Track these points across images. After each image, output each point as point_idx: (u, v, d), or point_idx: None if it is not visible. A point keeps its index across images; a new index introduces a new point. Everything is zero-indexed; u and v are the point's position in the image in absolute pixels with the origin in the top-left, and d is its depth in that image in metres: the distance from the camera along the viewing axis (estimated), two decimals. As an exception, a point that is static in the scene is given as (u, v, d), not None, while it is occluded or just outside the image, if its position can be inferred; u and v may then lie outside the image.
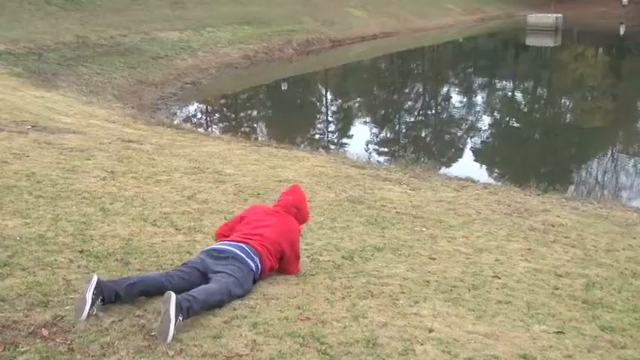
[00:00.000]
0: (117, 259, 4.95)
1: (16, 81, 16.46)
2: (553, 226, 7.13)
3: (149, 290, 4.14)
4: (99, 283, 3.90)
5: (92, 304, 3.83)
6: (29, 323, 3.70)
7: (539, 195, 9.15)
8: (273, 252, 4.73)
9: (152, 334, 3.68)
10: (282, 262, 4.87)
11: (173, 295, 3.71)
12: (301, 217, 5.16)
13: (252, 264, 4.52)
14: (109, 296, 3.96)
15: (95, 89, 18.42)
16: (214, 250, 4.57)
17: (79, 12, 26.22)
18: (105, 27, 25.23)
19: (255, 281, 4.55)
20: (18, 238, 5.14)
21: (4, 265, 4.56)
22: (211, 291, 4.12)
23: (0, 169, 7.20)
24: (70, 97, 16.15)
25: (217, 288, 4.17)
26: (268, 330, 3.85)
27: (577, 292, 5.09)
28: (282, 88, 26.22)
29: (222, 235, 4.96)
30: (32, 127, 10.37)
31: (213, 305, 4.07)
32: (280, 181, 8.05)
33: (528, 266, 5.63)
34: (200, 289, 4.08)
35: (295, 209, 5.09)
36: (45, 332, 3.62)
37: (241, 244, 4.59)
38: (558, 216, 7.60)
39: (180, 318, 3.71)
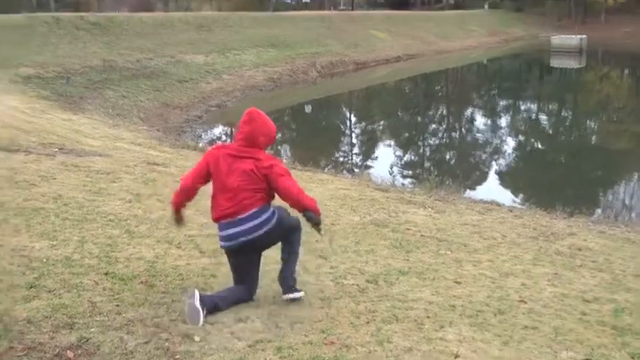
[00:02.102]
0: (142, 282, 4.97)
1: (44, 104, 16.68)
2: (580, 250, 7.05)
3: (238, 302, 4.69)
4: (201, 296, 4.36)
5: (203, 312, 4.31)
6: (54, 345, 3.73)
7: (565, 218, 9.06)
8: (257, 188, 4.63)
9: (177, 357, 3.68)
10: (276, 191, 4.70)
11: (196, 292, 4.34)
12: (269, 140, 4.80)
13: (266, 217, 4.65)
14: (210, 307, 4.41)
15: (121, 112, 18.62)
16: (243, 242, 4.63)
17: (107, 36, 26.58)
18: (131, 50, 25.55)
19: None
20: (44, 260, 5.18)
21: (31, 287, 4.59)
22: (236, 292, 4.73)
23: (28, 192, 7.27)
24: (97, 120, 16.33)
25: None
26: (292, 354, 3.84)
27: (605, 317, 5.02)
28: (306, 110, 26.32)
29: (190, 186, 4.77)
30: (59, 149, 10.48)
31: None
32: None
33: (555, 291, 5.56)
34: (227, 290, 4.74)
35: (261, 138, 4.69)
36: (70, 354, 3.64)
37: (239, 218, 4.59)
38: (585, 240, 7.52)
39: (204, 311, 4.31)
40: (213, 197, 4.71)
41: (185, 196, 4.79)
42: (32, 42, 23.07)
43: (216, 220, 4.70)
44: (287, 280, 4.81)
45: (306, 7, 67.65)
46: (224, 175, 4.60)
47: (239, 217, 4.57)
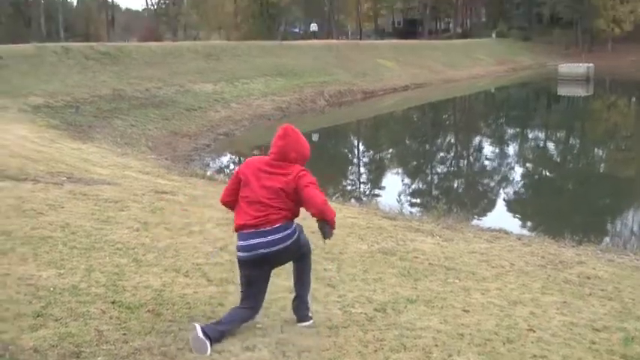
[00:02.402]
0: (149, 310, 4.96)
1: (53, 133, 16.78)
2: (589, 278, 7.00)
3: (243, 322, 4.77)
4: (204, 328, 4.41)
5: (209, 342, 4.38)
6: (61, 375, 3.71)
7: (573, 247, 9.01)
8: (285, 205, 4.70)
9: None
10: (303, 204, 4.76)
11: (198, 327, 4.37)
12: (301, 158, 4.87)
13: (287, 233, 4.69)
14: (215, 337, 4.45)
15: (130, 141, 18.71)
16: (263, 254, 4.64)
17: (116, 65, 26.80)
18: (140, 80, 25.74)
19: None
20: (52, 288, 5.18)
21: (38, 316, 4.59)
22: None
23: (35, 220, 7.29)
24: (106, 148, 16.40)
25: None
26: (300, 383, 3.81)
27: (615, 346, 4.98)
28: (314, 139, 26.40)
29: (230, 203, 4.90)
30: (68, 178, 10.51)
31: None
32: (312, 232, 8.03)
33: (564, 319, 5.52)
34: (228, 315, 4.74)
35: (293, 154, 4.80)
36: (76, 384, 3.62)
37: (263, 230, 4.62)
38: (594, 268, 7.47)
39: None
40: (240, 207, 4.74)
41: (229, 208, 4.94)
42: (42, 71, 23.27)
43: (239, 227, 4.69)
44: (301, 310, 4.91)
45: (314, 35, 68.05)
46: (255, 189, 4.67)
47: (262, 228, 4.59)
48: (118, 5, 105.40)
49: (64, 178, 10.43)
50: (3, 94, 19.76)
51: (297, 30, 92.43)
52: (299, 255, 4.87)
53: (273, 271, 4.85)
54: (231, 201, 4.85)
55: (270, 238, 4.59)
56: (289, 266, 4.98)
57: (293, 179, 4.65)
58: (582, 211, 15.14)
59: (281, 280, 4.98)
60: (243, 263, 4.71)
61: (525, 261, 7.63)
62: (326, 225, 4.72)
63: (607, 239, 12.29)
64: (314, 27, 74.29)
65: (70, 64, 25.22)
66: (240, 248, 4.67)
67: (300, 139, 4.90)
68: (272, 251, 4.61)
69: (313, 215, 4.70)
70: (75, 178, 10.74)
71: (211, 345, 4.34)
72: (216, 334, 4.44)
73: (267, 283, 4.83)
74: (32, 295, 4.99)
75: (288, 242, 4.66)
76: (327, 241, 4.87)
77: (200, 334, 4.31)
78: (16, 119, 17.45)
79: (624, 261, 8.17)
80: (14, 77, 21.70)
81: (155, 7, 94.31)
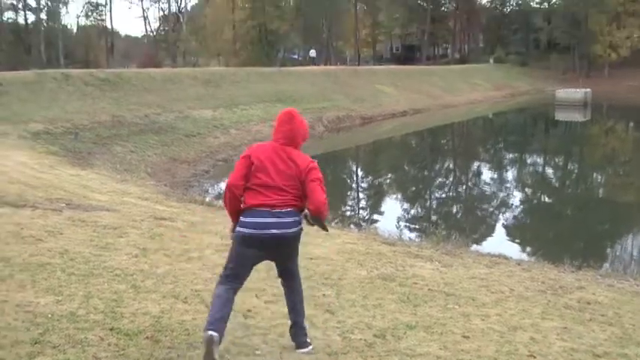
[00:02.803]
0: (147, 337, 4.93)
1: (52, 159, 16.80)
2: (589, 303, 6.98)
3: None
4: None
5: None
6: (59, 403, 3.68)
7: (573, 272, 8.99)
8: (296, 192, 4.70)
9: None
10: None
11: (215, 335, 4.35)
12: (304, 140, 4.94)
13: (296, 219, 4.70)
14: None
15: (129, 167, 18.72)
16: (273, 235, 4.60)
17: (115, 92, 26.89)
18: (140, 106, 25.82)
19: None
20: (49, 315, 5.16)
21: (35, 343, 4.56)
22: None
23: (34, 247, 7.27)
24: (105, 175, 16.41)
25: None
26: (299, 411, 3.79)
27: (616, 372, 4.95)
28: (323, 163, 26.37)
29: (241, 187, 4.71)
30: (67, 204, 10.51)
31: None
32: (311, 258, 8.02)
33: (564, 345, 5.50)
34: None
35: (299, 138, 4.86)
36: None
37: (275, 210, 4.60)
38: (594, 293, 7.45)
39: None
40: (254, 191, 4.64)
41: (238, 201, 4.71)
42: (42, 98, 23.35)
43: (253, 206, 4.60)
44: (300, 336, 4.87)
45: (312, 62, 68.46)
46: (272, 175, 4.64)
47: (278, 210, 4.57)
48: (118, 32, 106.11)
49: (63, 205, 10.42)
50: (3, 120, 19.81)
51: (295, 56, 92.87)
52: (294, 251, 4.84)
53: (271, 298, 4.84)
54: (242, 185, 4.67)
55: (283, 220, 4.56)
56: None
57: (304, 170, 4.66)
58: (581, 236, 15.13)
59: (279, 306, 4.96)
60: (247, 240, 4.60)
61: (525, 286, 7.61)
62: (319, 221, 4.75)
63: (607, 264, 12.27)
64: (312, 53, 74.75)
65: (70, 91, 25.31)
66: (249, 224, 4.57)
67: (303, 121, 4.96)
68: (283, 233, 4.57)
69: (310, 211, 4.67)
70: (74, 204, 10.73)
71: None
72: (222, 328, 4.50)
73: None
74: (30, 322, 4.96)
75: (297, 229, 4.65)
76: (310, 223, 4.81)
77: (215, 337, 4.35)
78: (16, 146, 17.48)
79: (624, 286, 8.15)
80: (14, 104, 21.77)
81: (154, 33, 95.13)
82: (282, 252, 4.76)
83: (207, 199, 15.51)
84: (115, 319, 5.25)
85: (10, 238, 7.56)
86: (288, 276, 4.91)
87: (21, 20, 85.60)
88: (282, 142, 4.76)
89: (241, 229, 4.59)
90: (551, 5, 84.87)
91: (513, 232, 16.21)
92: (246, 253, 4.63)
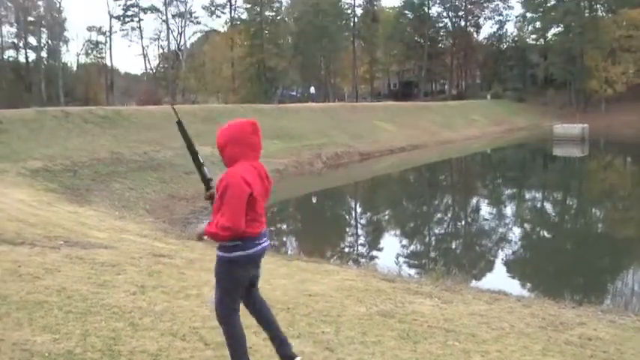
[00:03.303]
0: (145, 376, 4.89)
1: (51, 196, 16.81)
2: (590, 340, 6.93)
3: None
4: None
5: None
6: None
7: (574, 307, 8.94)
8: None
9: None
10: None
11: None
12: None
13: None
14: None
15: (127, 204, 18.72)
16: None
17: (115, 129, 27.00)
18: (139, 143, 25.90)
19: None
20: (46, 354, 5.12)
21: (32, 383, 4.52)
22: None
23: (31, 285, 7.24)
24: (103, 212, 16.41)
25: None
26: None
27: (619, 410, 4.90)
28: (312, 201, 26.42)
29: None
30: (64, 242, 10.49)
31: None
32: (310, 295, 7.98)
33: (566, 382, 5.45)
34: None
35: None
36: None
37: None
38: (595, 329, 7.40)
39: None
40: (250, 221, 4.56)
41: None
42: (41, 136, 23.43)
43: (255, 235, 4.61)
44: (286, 345, 4.93)
45: (311, 98, 68.90)
46: (262, 201, 4.72)
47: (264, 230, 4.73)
48: (118, 69, 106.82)
49: (61, 242, 10.41)
50: (2, 158, 19.86)
51: (294, 93, 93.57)
52: None
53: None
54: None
55: (266, 234, 4.78)
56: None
57: (271, 184, 4.83)
58: (582, 271, 15.08)
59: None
60: (254, 258, 4.66)
61: (526, 322, 7.56)
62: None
63: (608, 300, 12.22)
64: (313, 90, 75.30)
65: (70, 128, 25.41)
66: (253, 246, 4.60)
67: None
68: (268, 243, 4.78)
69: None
70: (72, 241, 10.71)
71: None
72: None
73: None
74: (27, 361, 4.92)
75: None
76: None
77: None
78: (15, 183, 17.49)
79: (626, 322, 8.09)
80: (14, 141, 21.84)
81: (154, 71, 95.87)
82: (260, 262, 4.83)
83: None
84: (113, 358, 5.21)
85: (8, 275, 7.53)
86: (255, 287, 4.91)
87: (22, 58, 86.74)
88: (255, 157, 4.75)
89: (243, 253, 4.56)
90: (547, 41, 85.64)
91: (513, 267, 16.16)
92: (247, 275, 4.67)
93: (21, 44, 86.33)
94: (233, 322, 4.63)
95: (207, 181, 4.84)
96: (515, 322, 7.50)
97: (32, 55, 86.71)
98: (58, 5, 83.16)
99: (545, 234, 21.07)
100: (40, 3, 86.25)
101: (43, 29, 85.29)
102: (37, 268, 8.08)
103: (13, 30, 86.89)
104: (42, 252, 9.26)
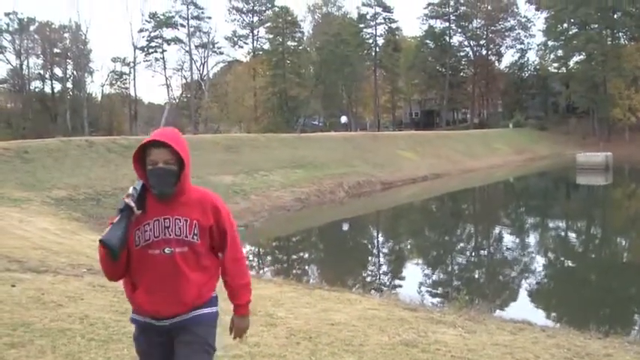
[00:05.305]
0: (166, 405, 4.86)
1: (74, 225, 16.95)
2: (617, 371, 6.82)
3: None
4: None
5: None
6: None
7: (600, 338, 8.80)
8: None
9: None
10: None
11: None
12: None
13: None
14: None
15: (150, 232, 18.78)
16: None
17: (138, 158, 27.17)
18: (161, 172, 26.02)
19: None
20: (69, 382, 5.12)
21: (54, 411, 4.52)
22: None
23: (54, 312, 7.27)
24: (126, 240, 16.47)
25: None
26: None
27: None
28: (334, 230, 26.38)
29: None
30: (87, 270, 10.54)
31: None
32: (333, 324, 7.94)
33: (593, 414, 5.35)
34: None
35: None
36: None
37: None
38: (622, 360, 7.29)
39: None
40: None
41: None
42: (66, 165, 23.68)
43: None
44: None
45: (344, 127, 69.24)
46: None
47: None
48: (141, 99, 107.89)
49: (84, 270, 10.46)
50: (28, 187, 20.08)
51: (316, 122, 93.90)
52: None
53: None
54: None
55: None
56: None
57: None
58: (607, 301, 14.88)
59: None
60: None
61: (551, 353, 7.45)
62: None
63: (635, 330, 12.03)
64: (344, 119, 75.56)
65: (93, 158, 25.67)
66: None
67: None
68: None
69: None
70: (95, 269, 10.75)
71: None
72: None
73: None
74: (49, 389, 4.93)
75: None
76: None
77: None
78: (39, 212, 17.66)
79: (653, 353, 7.96)
80: (39, 171, 22.09)
81: (177, 101, 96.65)
82: None
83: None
84: (134, 386, 5.20)
85: (31, 303, 7.57)
86: None
87: (48, 89, 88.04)
88: None
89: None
90: (569, 70, 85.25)
91: (537, 297, 15.99)
92: None
93: (47, 75, 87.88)
94: None
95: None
96: (540, 353, 7.40)
97: (58, 86, 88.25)
98: (83, 37, 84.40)
99: (569, 263, 20.85)
100: (65, 35, 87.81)
101: (69, 60, 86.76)
102: (61, 296, 8.12)
103: (40, 61, 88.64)
104: (65, 280, 9.31)
